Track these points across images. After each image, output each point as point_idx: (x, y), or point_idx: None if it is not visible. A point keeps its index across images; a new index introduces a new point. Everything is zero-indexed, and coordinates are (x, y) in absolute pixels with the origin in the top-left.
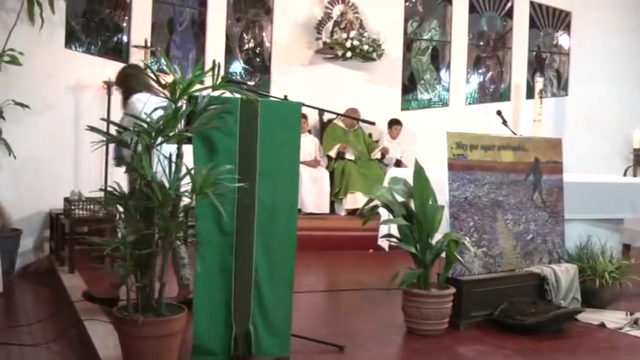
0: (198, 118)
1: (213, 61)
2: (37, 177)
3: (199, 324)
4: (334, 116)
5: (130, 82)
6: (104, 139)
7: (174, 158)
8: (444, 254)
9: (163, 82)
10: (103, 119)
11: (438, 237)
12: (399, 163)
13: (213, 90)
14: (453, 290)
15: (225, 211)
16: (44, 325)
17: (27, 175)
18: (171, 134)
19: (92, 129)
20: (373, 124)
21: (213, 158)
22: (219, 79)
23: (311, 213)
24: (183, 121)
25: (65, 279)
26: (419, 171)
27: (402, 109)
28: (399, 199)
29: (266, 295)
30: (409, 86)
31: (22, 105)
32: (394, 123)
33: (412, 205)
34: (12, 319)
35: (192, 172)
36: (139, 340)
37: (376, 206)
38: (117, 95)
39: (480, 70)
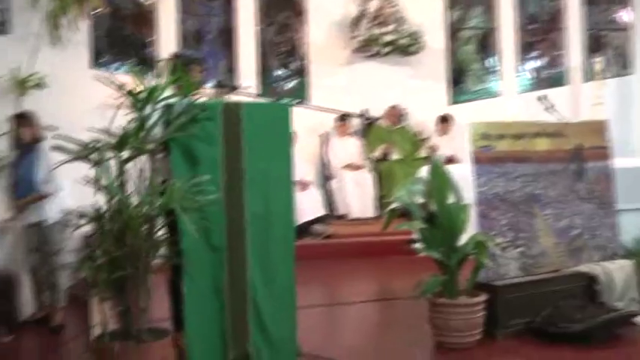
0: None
1: (176, 65)
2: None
3: (193, 349)
4: (378, 117)
5: None
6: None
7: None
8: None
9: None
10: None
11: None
12: (451, 160)
13: (185, 97)
14: (484, 297)
15: (200, 227)
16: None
17: None
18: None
19: (55, 148)
20: (377, 119)
21: (195, 169)
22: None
23: (357, 218)
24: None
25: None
26: (435, 167)
27: (451, 103)
28: (419, 200)
29: (265, 312)
30: (457, 78)
31: (49, 127)
32: (442, 120)
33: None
34: None
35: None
36: None
37: (395, 209)
38: None
39: (532, 56)
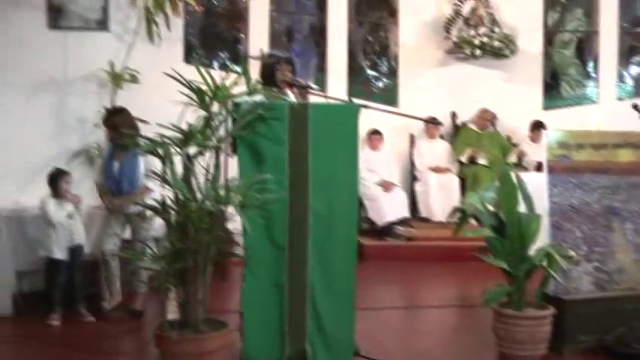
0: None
1: (243, 63)
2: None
3: (250, 344)
4: (467, 119)
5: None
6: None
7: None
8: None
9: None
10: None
11: None
12: (540, 168)
13: (249, 95)
14: (551, 311)
15: (262, 225)
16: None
17: None
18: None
19: (130, 138)
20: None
21: (260, 167)
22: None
23: (440, 222)
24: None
25: None
26: (504, 174)
27: (545, 108)
28: (491, 208)
29: (324, 312)
30: (552, 83)
31: (141, 121)
32: (536, 126)
33: None
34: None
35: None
36: (174, 357)
37: (465, 216)
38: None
39: (635, 61)
